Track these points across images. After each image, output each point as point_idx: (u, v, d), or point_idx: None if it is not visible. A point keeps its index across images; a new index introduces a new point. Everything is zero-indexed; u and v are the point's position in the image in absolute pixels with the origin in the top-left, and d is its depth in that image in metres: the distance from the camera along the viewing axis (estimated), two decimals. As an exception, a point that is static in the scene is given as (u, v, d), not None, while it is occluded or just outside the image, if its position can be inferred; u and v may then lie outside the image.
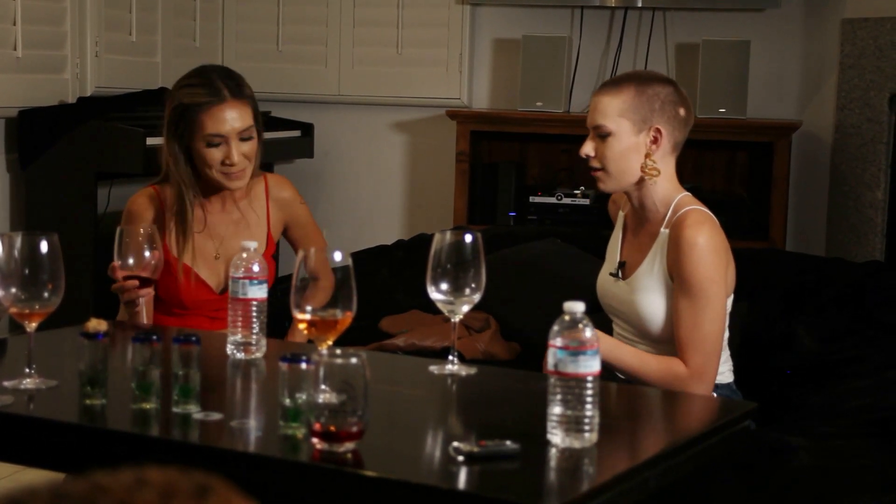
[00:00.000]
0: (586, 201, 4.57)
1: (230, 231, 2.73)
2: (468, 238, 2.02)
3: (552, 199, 4.57)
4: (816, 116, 4.63)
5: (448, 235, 2.03)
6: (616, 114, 2.44)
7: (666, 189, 2.48)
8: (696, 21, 4.71)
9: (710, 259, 2.38)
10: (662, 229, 2.45)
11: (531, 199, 4.59)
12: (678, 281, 2.40)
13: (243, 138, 2.64)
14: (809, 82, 4.67)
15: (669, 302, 2.43)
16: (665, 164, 2.47)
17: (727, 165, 4.61)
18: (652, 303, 2.44)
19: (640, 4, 4.61)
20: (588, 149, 2.48)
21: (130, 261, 2.36)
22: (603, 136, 2.46)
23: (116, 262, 2.36)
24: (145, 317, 2.46)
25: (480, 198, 4.68)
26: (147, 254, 2.35)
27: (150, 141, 4.08)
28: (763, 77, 4.64)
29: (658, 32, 4.75)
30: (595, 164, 2.48)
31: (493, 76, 4.98)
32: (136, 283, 2.38)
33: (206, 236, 2.71)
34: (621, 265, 2.53)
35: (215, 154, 2.63)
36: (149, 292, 2.42)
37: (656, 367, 2.39)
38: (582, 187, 4.62)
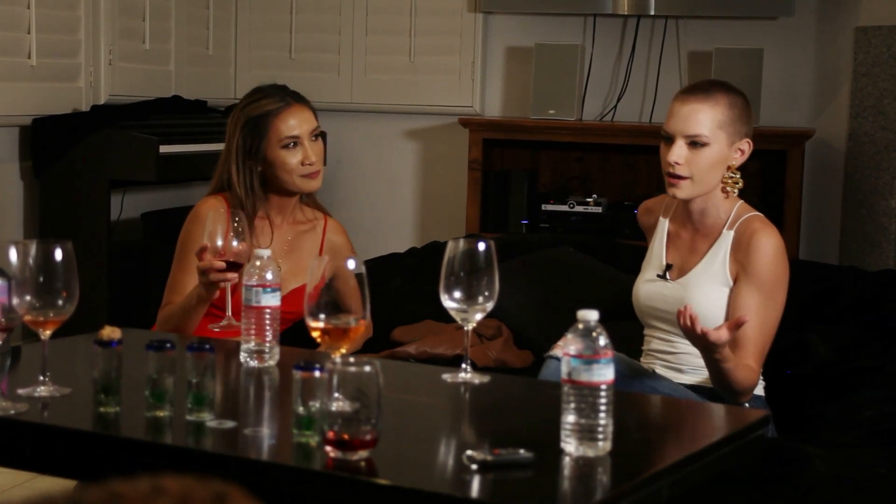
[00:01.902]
0: (598, 209, 4.56)
1: (282, 249, 2.80)
2: (481, 246, 2.02)
3: (564, 207, 4.57)
4: (830, 125, 4.62)
5: (461, 243, 2.03)
6: (715, 125, 2.48)
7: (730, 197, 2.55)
8: (708, 29, 4.71)
9: (782, 262, 2.47)
10: (725, 230, 2.51)
11: (543, 206, 4.59)
12: (748, 281, 2.45)
13: (314, 137, 2.78)
14: (823, 90, 4.66)
15: (723, 301, 2.47)
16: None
17: (740, 173, 4.60)
18: (707, 300, 2.48)
19: (652, 12, 4.61)
20: (679, 157, 2.47)
21: (219, 241, 2.40)
22: (698, 145, 2.47)
23: (206, 243, 2.42)
24: (229, 308, 2.47)
25: (493, 206, 4.68)
26: (235, 241, 2.40)
27: (164, 149, 4.09)
28: (776, 85, 4.63)
29: (671, 40, 4.75)
30: (683, 171, 2.48)
31: (506, 84, 4.98)
32: (223, 264, 2.41)
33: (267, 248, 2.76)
34: (668, 267, 2.55)
35: (292, 157, 2.74)
36: (234, 277, 2.44)
37: (743, 374, 2.40)
38: (594, 195, 4.62)
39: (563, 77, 4.63)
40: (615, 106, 4.79)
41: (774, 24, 4.66)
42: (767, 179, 4.59)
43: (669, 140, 2.50)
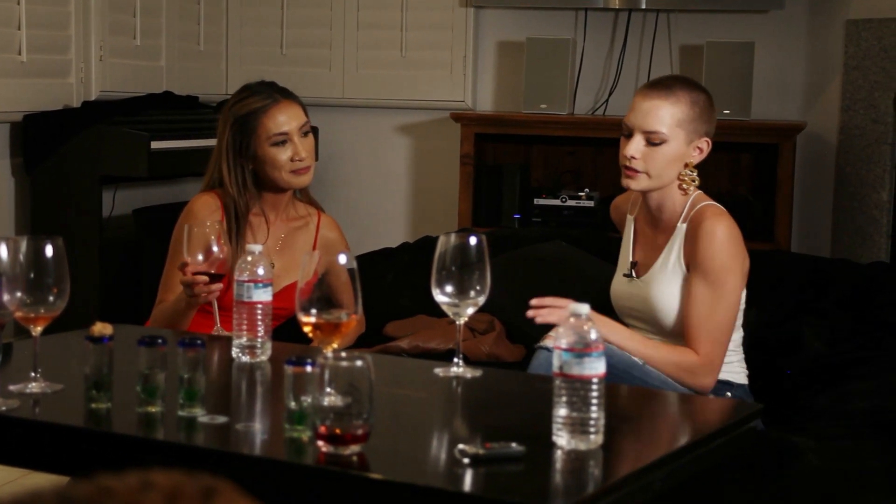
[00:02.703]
0: (590, 203, 4.56)
1: (277, 245, 2.80)
2: (473, 240, 2.02)
3: (556, 202, 4.57)
4: (821, 118, 4.63)
5: (453, 238, 2.03)
6: (675, 123, 2.47)
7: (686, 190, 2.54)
8: (699, 23, 4.71)
9: (729, 249, 2.43)
10: (679, 224, 2.51)
11: (535, 201, 4.59)
12: (695, 269, 2.45)
13: (304, 133, 2.76)
14: (814, 83, 4.67)
15: (684, 293, 2.47)
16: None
17: (731, 167, 4.61)
18: (668, 296, 2.48)
19: (643, 6, 4.61)
20: (636, 151, 2.47)
21: (200, 257, 2.38)
22: (655, 142, 2.47)
23: (187, 259, 2.39)
24: (218, 319, 2.47)
25: (485, 200, 4.68)
26: (215, 249, 2.37)
27: (155, 145, 4.08)
28: (767, 78, 4.64)
29: (662, 34, 4.75)
30: (638, 165, 2.48)
31: (497, 78, 4.98)
32: (206, 279, 2.40)
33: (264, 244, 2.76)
34: (633, 265, 2.56)
35: (282, 153, 2.72)
36: (218, 287, 2.43)
37: (667, 355, 2.42)
38: (586, 189, 4.62)
39: (554, 71, 4.63)
40: (607, 100, 4.79)
41: (765, 17, 4.66)
42: (759, 172, 4.60)
43: (629, 134, 2.50)
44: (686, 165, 2.50)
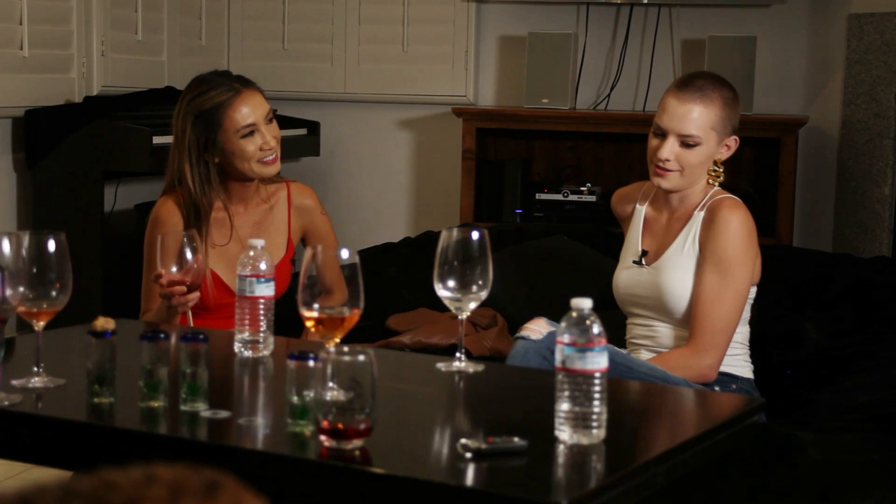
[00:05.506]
0: (592, 198, 4.56)
1: (251, 233, 2.76)
2: (475, 235, 2.02)
3: (558, 196, 4.57)
4: (823, 112, 4.62)
5: (455, 233, 2.03)
6: (708, 126, 2.53)
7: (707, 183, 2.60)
8: (701, 17, 4.70)
9: (743, 240, 2.48)
10: (697, 212, 2.55)
11: (537, 196, 4.59)
12: (707, 257, 2.49)
13: (269, 120, 2.73)
14: (816, 78, 4.66)
15: (695, 280, 2.51)
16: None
17: (733, 161, 4.58)
18: (681, 281, 2.52)
19: (645, 1, 4.61)
20: (670, 154, 2.52)
21: (174, 268, 2.35)
22: (690, 144, 2.52)
23: (161, 270, 2.37)
24: (191, 323, 2.48)
25: (487, 195, 4.68)
26: (189, 258, 2.35)
27: (157, 140, 4.08)
28: (769, 73, 4.63)
29: (664, 29, 4.74)
30: (673, 166, 2.53)
31: (499, 73, 4.97)
32: (184, 289, 2.38)
33: (233, 240, 2.74)
34: (644, 253, 2.57)
35: (250, 144, 2.69)
36: (196, 297, 2.43)
37: (667, 360, 2.44)
38: (588, 184, 4.62)
39: (556, 66, 4.62)
40: (609, 95, 4.79)
41: (767, 11, 4.66)
42: (761, 167, 4.59)
43: (662, 135, 2.53)
44: (714, 162, 2.57)
